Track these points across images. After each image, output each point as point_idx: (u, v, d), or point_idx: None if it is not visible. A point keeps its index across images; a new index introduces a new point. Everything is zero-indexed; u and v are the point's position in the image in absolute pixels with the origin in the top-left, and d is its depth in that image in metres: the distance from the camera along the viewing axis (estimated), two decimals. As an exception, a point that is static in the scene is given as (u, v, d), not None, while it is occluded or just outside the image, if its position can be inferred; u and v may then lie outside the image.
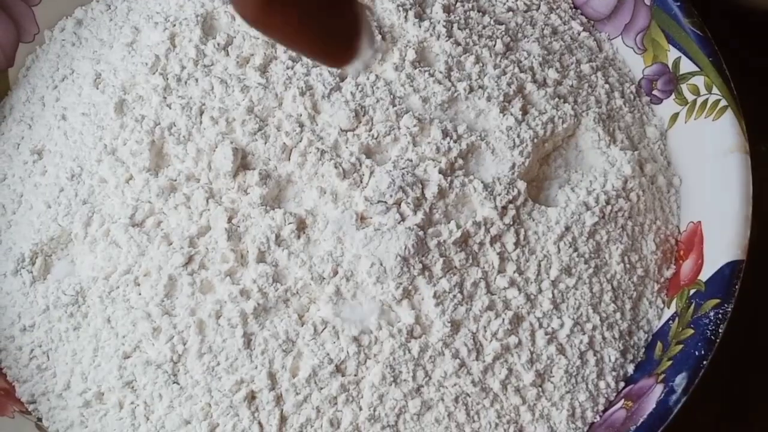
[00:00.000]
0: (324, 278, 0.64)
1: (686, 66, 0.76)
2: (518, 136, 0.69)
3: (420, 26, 0.74)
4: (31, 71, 0.79)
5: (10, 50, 0.79)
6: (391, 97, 0.70)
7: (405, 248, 0.64)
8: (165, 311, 0.64)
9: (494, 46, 0.75)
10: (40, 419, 0.65)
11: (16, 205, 0.71)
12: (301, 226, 0.66)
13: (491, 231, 0.66)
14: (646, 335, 0.69)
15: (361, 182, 0.66)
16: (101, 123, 0.71)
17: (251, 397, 0.62)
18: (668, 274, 0.71)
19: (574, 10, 0.84)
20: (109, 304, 0.65)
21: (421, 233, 0.64)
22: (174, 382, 0.63)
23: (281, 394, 0.62)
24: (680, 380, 0.61)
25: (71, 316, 0.66)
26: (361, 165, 0.67)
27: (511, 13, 0.80)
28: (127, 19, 0.79)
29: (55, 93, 0.76)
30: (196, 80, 0.71)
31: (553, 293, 0.66)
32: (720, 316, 0.63)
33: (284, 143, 0.67)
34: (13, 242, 0.69)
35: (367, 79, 0.70)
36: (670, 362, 0.64)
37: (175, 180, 0.67)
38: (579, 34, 0.82)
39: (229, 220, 0.66)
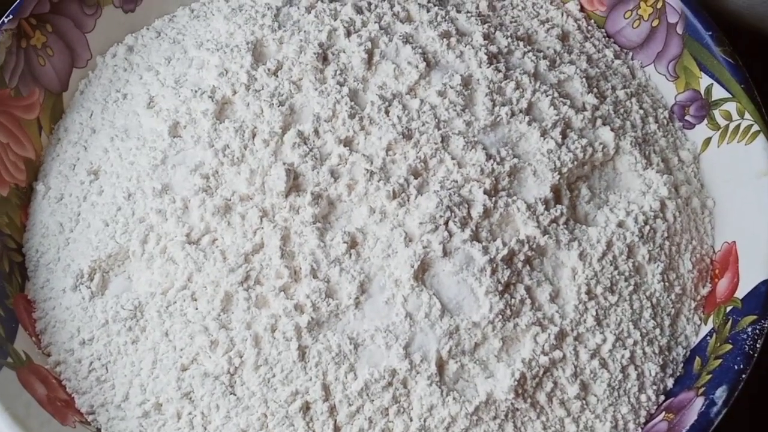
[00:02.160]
0: (373, 294, 0.66)
1: (718, 92, 0.78)
2: (559, 158, 0.72)
3: (462, 53, 0.77)
4: (85, 95, 0.82)
5: (65, 75, 0.82)
6: (436, 120, 0.72)
7: (454, 265, 0.66)
8: (222, 325, 0.66)
9: (533, 72, 0.78)
10: (99, 429, 0.67)
11: (74, 223, 0.73)
12: (352, 244, 0.68)
13: (535, 249, 0.69)
14: (685, 350, 0.71)
15: (408, 201, 0.69)
16: (155, 145, 0.74)
17: (306, 407, 0.64)
18: (704, 291, 0.74)
19: (607, 38, 0.87)
20: (166, 318, 0.67)
21: (469, 251, 0.66)
22: (231, 393, 0.65)
23: (335, 405, 0.64)
24: (720, 393, 0.63)
25: (130, 329, 0.68)
26: (408, 185, 0.69)
27: (548, 40, 0.83)
28: (178, 45, 0.82)
29: (108, 116, 0.79)
30: (248, 104, 0.74)
31: (596, 310, 0.68)
32: (758, 331, 0.66)
33: (334, 164, 0.70)
34: (71, 259, 0.72)
35: (414, 103, 0.73)
36: (710, 376, 0.66)
37: (230, 199, 0.70)
38: (613, 62, 0.85)
39: (283, 238, 0.68)
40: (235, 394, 0.65)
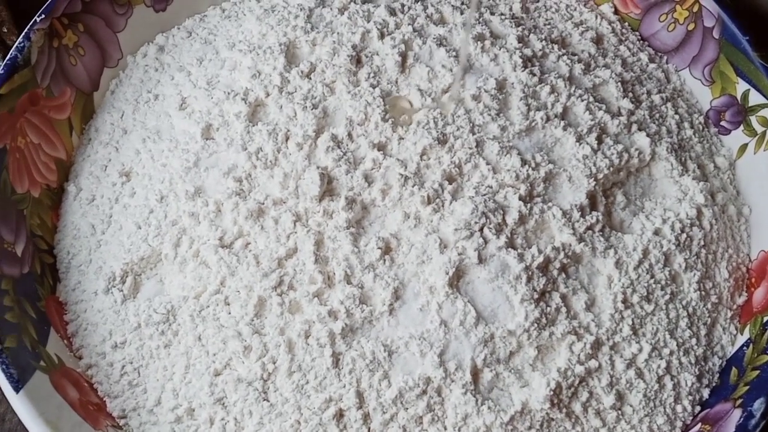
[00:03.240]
0: (408, 301, 0.66)
1: (755, 98, 0.77)
2: (594, 164, 0.71)
3: (496, 56, 0.76)
4: (116, 95, 0.81)
5: (96, 75, 0.81)
6: (471, 125, 0.72)
7: (489, 272, 0.65)
8: (255, 330, 0.65)
9: (568, 76, 0.77)
10: (130, 434, 0.67)
11: (106, 225, 0.73)
12: (386, 250, 0.67)
13: (570, 257, 0.68)
14: (721, 360, 0.70)
15: (443, 207, 0.68)
16: (187, 147, 0.73)
17: (339, 415, 0.64)
18: (740, 301, 0.73)
19: (641, 42, 0.86)
20: (199, 323, 0.67)
21: (504, 258, 0.66)
22: (264, 400, 0.64)
23: (368, 412, 0.64)
24: (759, 405, 0.63)
25: (162, 333, 0.67)
26: (443, 191, 0.69)
27: (582, 44, 0.82)
28: (209, 46, 0.81)
29: (139, 117, 0.78)
30: (281, 107, 0.73)
31: (632, 319, 0.67)
32: (796, 342, 0.65)
33: (368, 169, 0.69)
34: (103, 261, 0.71)
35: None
36: (747, 387, 0.65)
37: (263, 203, 0.69)
38: (647, 66, 0.84)
39: (316, 242, 0.67)
40: (269, 401, 0.64)
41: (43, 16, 0.76)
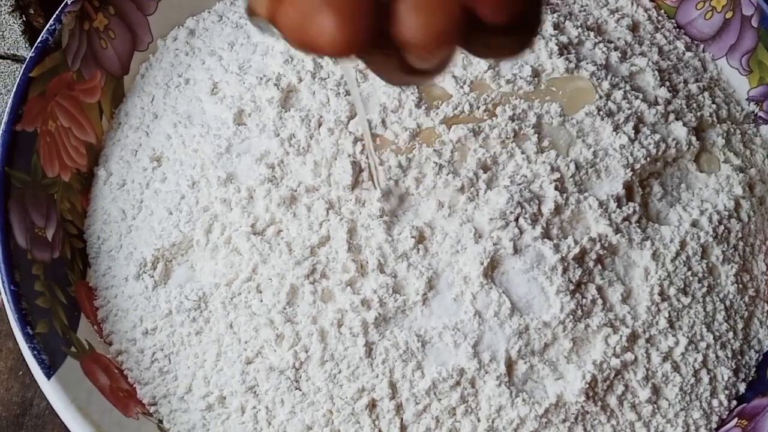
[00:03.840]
0: (441, 291, 0.65)
1: (794, 88, 0.76)
2: (631, 154, 0.70)
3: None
4: (146, 79, 0.81)
5: (126, 58, 0.81)
6: (507, 113, 0.70)
7: (524, 263, 0.65)
8: (287, 318, 0.65)
9: (605, 64, 0.76)
10: (161, 421, 0.67)
11: (137, 210, 0.73)
12: (420, 239, 0.66)
13: (606, 248, 0.67)
14: (758, 355, 0.70)
15: (478, 196, 0.67)
16: (219, 132, 0.73)
17: (372, 405, 0.63)
18: (777, 295, 0.72)
19: (678, 30, 0.85)
20: (231, 310, 0.66)
21: (540, 248, 0.65)
22: (296, 389, 0.64)
23: (401, 403, 0.63)
24: (797, 401, 0.62)
25: (194, 320, 0.67)
26: (477, 179, 0.68)
27: (618, 31, 0.81)
28: (241, 30, 0.81)
29: (170, 101, 0.78)
30: (314, 93, 0.72)
31: (668, 312, 0.66)
32: (834, 337, 0.64)
33: (402, 157, 0.69)
34: (133, 247, 0.71)
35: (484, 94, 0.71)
36: (785, 383, 0.65)
37: (296, 190, 0.68)
38: (684, 54, 0.82)
39: (349, 231, 0.66)
40: (301, 390, 0.64)
41: (74, -2, 0.75)
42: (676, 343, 0.66)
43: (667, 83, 0.77)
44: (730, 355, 0.68)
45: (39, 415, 0.79)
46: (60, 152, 0.73)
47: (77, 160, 0.75)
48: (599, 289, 0.66)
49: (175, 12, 0.83)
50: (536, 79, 0.73)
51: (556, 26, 0.78)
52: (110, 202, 0.74)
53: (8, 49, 0.89)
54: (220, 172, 0.70)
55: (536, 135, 0.69)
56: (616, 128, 0.71)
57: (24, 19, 0.86)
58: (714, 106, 0.78)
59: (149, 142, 0.76)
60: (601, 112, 0.71)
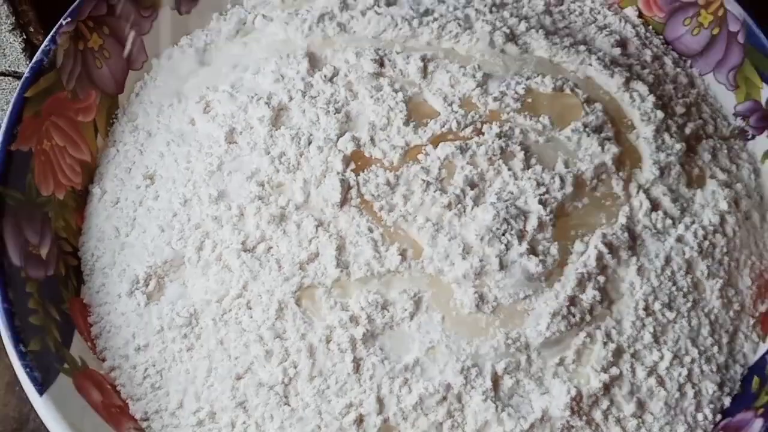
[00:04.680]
0: (430, 308, 0.66)
1: (780, 103, 0.77)
2: (617, 170, 0.71)
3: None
4: (140, 98, 0.82)
5: (121, 77, 0.82)
6: (494, 131, 0.71)
7: (511, 278, 0.65)
8: (276, 334, 0.66)
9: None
10: (153, 436, 0.68)
11: (130, 228, 0.74)
12: (408, 255, 0.67)
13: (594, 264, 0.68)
14: (743, 369, 0.70)
15: (465, 213, 0.68)
16: (211, 150, 0.74)
17: (360, 420, 0.64)
18: (763, 308, 0.73)
19: (666, 45, 0.86)
20: (221, 327, 0.67)
21: (525, 264, 0.66)
22: (285, 404, 0.65)
23: (389, 418, 0.64)
24: (780, 415, 0.62)
25: (185, 337, 0.68)
26: (465, 196, 0.68)
27: (606, 48, 0.82)
28: (235, 49, 0.82)
29: (164, 119, 0.79)
30: (304, 111, 0.73)
31: (654, 326, 0.67)
32: (818, 351, 0.65)
33: (390, 174, 0.69)
34: (126, 264, 0.72)
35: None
36: (769, 396, 0.65)
37: (285, 208, 0.69)
38: (672, 70, 0.83)
39: (338, 247, 0.67)
40: (290, 405, 0.65)
41: (69, 19, 0.76)
42: (661, 358, 0.67)
43: (654, 98, 0.77)
44: (715, 369, 0.68)
45: (35, 430, 0.80)
46: (55, 171, 0.74)
47: (72, 179, 0.76)
48: (585, 304, 0.67)
49: (169, 31, 0.85)
50: (524, 96, 0.73)
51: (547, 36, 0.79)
52: (104, 219, 0.75)
53: (9, 66, 0.90)
54: (211, 189, 0.71)
55: (523, 152, 0.70)
56: (603, 143, 0.72)
57: (24, 36, 0.88)
58: (701, 121, 0.79)
59: (143, 160, 0.77)
60: (587, 129, 0.72)
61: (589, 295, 0.67)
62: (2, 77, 0.91)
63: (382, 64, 0.75)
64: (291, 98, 0.74)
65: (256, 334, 0.66)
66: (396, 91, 0.74)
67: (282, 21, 0.81)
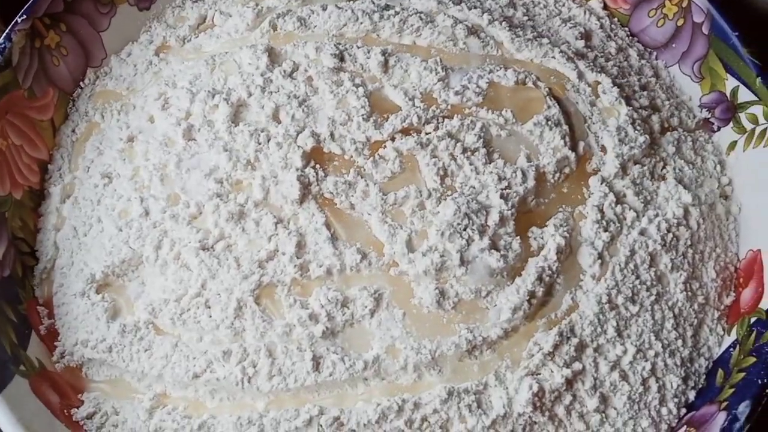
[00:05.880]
0: (391, 305, 0.65)
1: (745, 95, 0.76)
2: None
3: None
4: (98, 95, 0.80)
5: (79, 75, 0.81)
6: (455, 125, 0.71)
7: (472, 274, 0.65)
8: (235, 333, 0.65)
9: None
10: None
11: (87, 227, 0.72)
12: (367, 252, 0.66)
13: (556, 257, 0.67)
14: (707, 362, 0.70)
15: (425, 208, 0.67)
16: (169, 148, 0.73)
17: (318, 418, 0.63)
18: (728, 301, 0.72)
19: (630, 37, 0.85)
20: (180, 326, 0.66)
21: (487, 260, 0.65)
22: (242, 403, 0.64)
23: (349, 419, 0.63)
24: (743, 408, 0.62)
25: (141, 339, 0.67)
26: (426, 191, 0.68)
27: (570, 33, 0.82)
28: (194, 45, 0.81)
29: (123, 117, 0.78)
30: (263, 106, 0.72)
31: (616, 321, 0.67)
32: (783, 344, 0.64)
33: (349, 171, 0.69)
34: (84, 263, 0.71)
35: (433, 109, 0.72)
36: (733, 390, 0.65)
37: (244, 205, 0.68)
38: (637, 62, 0.83)
39: (297, 245, 0.67)
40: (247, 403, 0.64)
41: (24, 16, 0.75)
42: (624, 352, 0.66)
43: (618, 90, 0.77)
44: (679, 363, 0.68)
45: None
46: (12, 170, 0.73)
47: (29, 178, 0.75)
48: (547, 298, 0.66)
49: (128, 27, 0.84)
50: (486, 90, 0.73)
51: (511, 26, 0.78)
52: (62, 219, 0.74)
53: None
54: (169, 188, 0.70)
55: (485, 147, 0.69)
56: (565, 137, 0.71)
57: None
58: (665, 113, 0.78)
59: (101, 159, 0.76)
60: (550, 122, 0.71)
61: (550, 289, 0.66)
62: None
63: (342, 59, 0.74)
64: (250, 94, 0.73)
65: (215, 334, 0.65)
66: (357, 86, 0.73)
67: (241, 16, 0.80)
